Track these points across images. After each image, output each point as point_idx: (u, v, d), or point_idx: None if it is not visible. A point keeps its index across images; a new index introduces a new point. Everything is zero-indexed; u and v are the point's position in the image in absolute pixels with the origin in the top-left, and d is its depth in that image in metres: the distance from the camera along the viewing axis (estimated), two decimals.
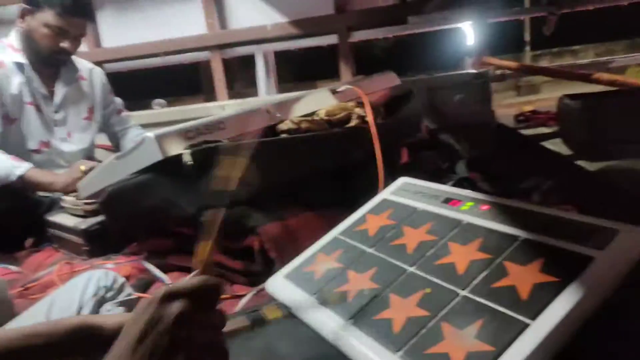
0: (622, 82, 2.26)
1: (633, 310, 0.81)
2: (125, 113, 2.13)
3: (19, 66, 1.74)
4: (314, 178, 1.39)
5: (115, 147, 2.13)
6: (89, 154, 1.98)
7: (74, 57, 1.89)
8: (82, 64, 1.98)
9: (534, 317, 0.67)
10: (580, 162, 1.50)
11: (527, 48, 7.48)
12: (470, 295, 0.76)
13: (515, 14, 2.90)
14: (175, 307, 0.46)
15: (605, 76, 2.32)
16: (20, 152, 1.73)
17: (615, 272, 0.69)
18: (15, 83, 1.73)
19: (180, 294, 0.47)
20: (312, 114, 1.55)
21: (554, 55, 7.52)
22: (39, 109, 1.80)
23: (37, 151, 1.80)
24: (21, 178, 1.62)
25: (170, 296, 0.47)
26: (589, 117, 1.70)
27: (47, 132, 1.82)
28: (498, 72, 2.73)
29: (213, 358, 0.48)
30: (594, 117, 1.69)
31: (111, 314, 0.85)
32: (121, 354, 0.45)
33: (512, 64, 2.68)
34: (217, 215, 0.54)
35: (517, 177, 1.67)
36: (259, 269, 1.18)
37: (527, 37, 7.34)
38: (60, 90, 1.85)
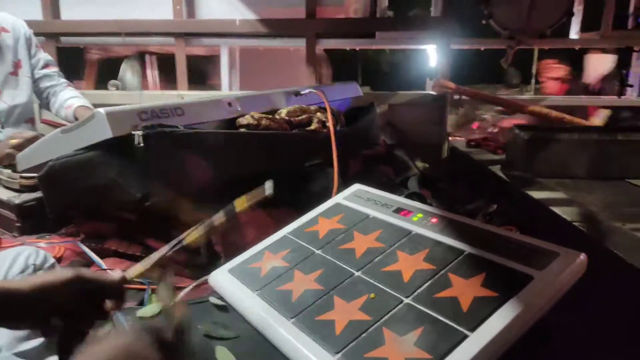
0: (558, 117, 2.44)
1: (564, 331, 0.85)
2: (54, 69, 1.97)
3: None
4: (268, 176, 1.37)
5: (45, 107, 1.98)
6: (25, 113, 1.84)
7: None
8: (3, 17, 1.84)
9: (472, 329, 0.68)
10: (524, 190, 1.56)
11: (533, 81, 7.63)
12: (414, 303, 0.77)
13: (476, 43, 3.01)
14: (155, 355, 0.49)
15: (537, 109, 2.52)
16: None
17: (552, 292, 0.72)
18: None
19: (159, 340, 0.51)
20: (274, 112, 1.53)
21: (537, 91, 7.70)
22: None
23: None
24: None
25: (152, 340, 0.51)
26: (537, 149, 1.77)
27: None
28: (456, 96, 2.82)
29: None
30: (541, 149, 1.77)
31: (28, 277, 0.80)
32: None
33: (468, 90, 2.78)
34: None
35: (465, 198, 1.73)
36: (203, 262, 1.15)
37: (534, 70, 7.47)
38: None
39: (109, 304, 0.63)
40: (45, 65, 1.94)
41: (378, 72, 7.65)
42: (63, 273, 0.58)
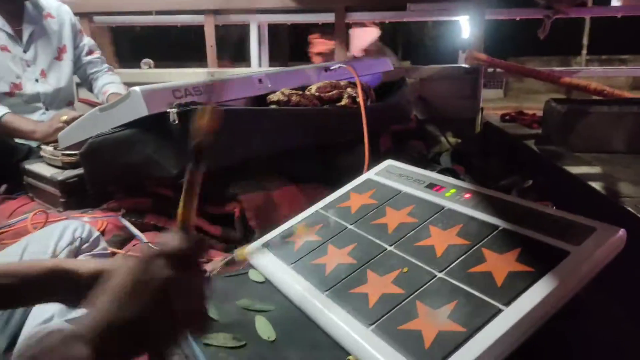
0: (598, 89, 2.35)
1: (599, 310, 0.84)
2: (97, 55, 2.04)
3: None
4: (300, 152, 1.39)
5: (89, 90, 2.05)
6: (67, 96, 1.91)
7: None
8: (48, 2, 1.89)
9: (507, 303, 0.68)
10: (560, 165, 1.53)
11: (584, 52, 7.36)
12: (447, 278, 0.77)
13: (511, 14, 2.91)
14: (165, 271, 0.45)
15: (575, 81, 2.44)
16: None
17: (589, 268, 0.71)
18: None
19: (169, 256, 0.46)
20: (304, 88, 1.54)
21: (603, 62, 7.42)
22: (5, 49, 1.73)
23: (9, 94, 1.73)
24: None
25: (160, 257, 0.45)
26: (573, 122, 1.72)
27: (17, 74, 1.75)
28: (489, 69, 2.75)
29: (194, 324, 0.48)
30: (578, 122, 1.72)
31: (86, 260, 0.84)
32: (108, 305, 0.43)
33: (501, 62, 2.70)
34: (197, 173, 0.52)
35: (499, 174, 1.70)
36: (237, 236, 1.18)
37: (585, 40, 7.20)
38: (27, 29, 1.77)
39: None
40: (90, 52, 2.01)
41: (419, 45, 7.51)
42: (122, 262, 0.58)
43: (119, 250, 1.14)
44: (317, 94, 1.52)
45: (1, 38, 1.72)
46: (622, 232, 0.75)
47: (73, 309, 0.74)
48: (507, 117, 2.39)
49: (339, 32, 2.64)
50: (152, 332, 0.43)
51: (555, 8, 2.55)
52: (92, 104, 2.11)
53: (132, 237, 1.23)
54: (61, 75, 1.86)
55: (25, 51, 1.77)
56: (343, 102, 1.53)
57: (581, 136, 1.70)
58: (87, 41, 2.02)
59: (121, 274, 0.45)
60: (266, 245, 1.03)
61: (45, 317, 0.78)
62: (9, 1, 1.72)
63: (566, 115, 1.74)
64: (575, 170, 1.47)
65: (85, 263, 0.59)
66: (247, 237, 1.19)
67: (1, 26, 1.71)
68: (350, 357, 0.72)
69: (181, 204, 0.51)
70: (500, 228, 0.84)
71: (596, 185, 1.29)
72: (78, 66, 1.99)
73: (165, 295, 0.44)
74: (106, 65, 2.07)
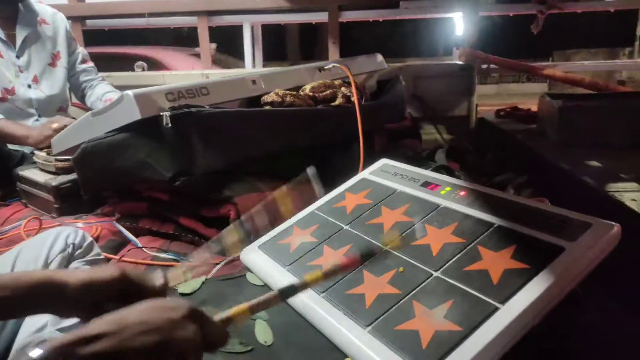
0: (592, 83, 2.35)
1: (595, 303, 0.84)
2: (91, 64, 2.03)
3: None
4: (294, 153, 1.38)
5: (80, 99, 2.04)
6: (60, 103, 1.90)
7: (32, 0, 1.81)
8: (43, 8, 1.88)
9: (503, 301, 0.68)
10: (555, 160, 1.53)
11: (637, 43, 7.22)
12: (443, 277, 0.77)
13: (504, 10, 2.91)
14: (193, 334, 0.47)
15: (570, 76, 2.44)
16: None
17: (585, 263, 0.71)
18: None
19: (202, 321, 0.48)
20: (298, 88, 1.53)
21: None
22: None
23: (1, 99, 1.72)
24: None
25: (194, 318, 0.48)
26: (568, 117, 1.72)
27: (10, 79, 1.73)
28: (484, 65, 2.74)
29: None
30: (572, 117, 1.72)
31: (75, 271, 0.83)
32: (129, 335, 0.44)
33: (497, 58, 2.70)
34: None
35: (494, 170, 1.70)
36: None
37: (639, 31, 7.06)
38: (20, 34, 1.76)
39: None
40: (83, 61, 2.00)
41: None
42: (109, 271, 0.59)
43: (114, 256, 1.13)
44: (311, 93, 1.51)
45: None
46: (617, 227, 0.75)
47: (62, 317, 0.73)
48: (502, 113, 2.39)
49: (333, 32, 2.64)
50: None
51: (548, 3, 2.56)
52: (86, 109, 2.10)
53: (126, 241, 1.23)
54: (54, 82, 1.85)
55: (18, 56, 1.76)
56: (337, 102, 1.52)
57: (576, 131, 1.70)
58: (81, 49, 2.02)
59: (150, 303, 0.47)
60: (262, 247, 1.02)
61: (38, 326, 0.77)
62: (1, 3, 1.71)
63: (561, 110, 1.74)
64: (570, 165, 1.48)
65: (74, 274, 0.58)
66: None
67: None
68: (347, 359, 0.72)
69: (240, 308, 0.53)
70: (495, 225, 0.83)
71: (591, 180, 1.29)
72: (72, 74, 1.98)
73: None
74: (100, 74, 2.06)
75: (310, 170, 1.09)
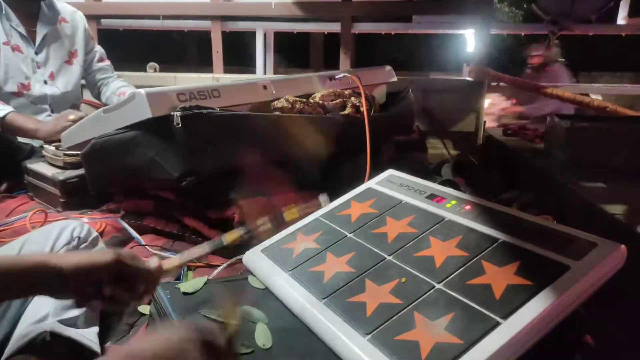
0: (601, 106, 2.35)
1: (597, 326, 0.83)
2: (108, 62, 2.07)
3: None
4: (301, 159, 1.39)
5: (96, 97, 2.08)
6: (73, 100, 1.92)
7: None
8: (64, 7, 1.92)
9: (505, 316, 0.68)
10: (562, 180, 1.53)
11: None
12: (445, 289, 0.77)
13: (517, 29, 2.93)
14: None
15: (579, 98, 2.45)
16: None
17: (589, 283, 0.71)
18: None
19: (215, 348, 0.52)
20: (308, 96, 1.54)
21: None
22: (17, 49, 1.74)
23: (17, 94, 1.74)
24: (1, 121, 1.57)
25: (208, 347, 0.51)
26: (576, 138, 1.72)
27: (27, 74, 1.76)
28: (493, 83, 2.76)
29: None
30: (580, 138, 1.72)
31: (71, 254, 0.84)
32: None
33: (507, 77, 2.71)
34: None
35: (500, 187, 1.70)
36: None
37: None
38: (41, 31, 1.79)
39: (142, 288, 0.66)
40: (100, 59, 2.04)
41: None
42: (104, 255, 0.61)
43: None
44: (321, 101, 1.52)
45: (15, 38, 1.73)
46: (623, 248, 0.74)
47: (59, 299, 0.75)
48: (510, 131, 2.40)
49: (345, 42, 2.66)
50: None
51: (560, 24, 2.57)
52: (96, 106, 2.12)
53: (130, 238, 1.23)
54: (70, 79, 1.88)
55: (37, 53, 1.78)
56: (346, 111, 1.53)
57: (583, 152, 1.70)
58: (98, 48, 2.05)
59: (163, 336, 0.51)
60: (265, 251, 1.02)
61: (39, 316, 0.77)
62: (26, 1, 1.73)
63: (569, 130, 1.74)
64: (577, 185, 1.47)
65: (70, 257, 0.60)
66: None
67: (15, 26, 1.73)
68: None
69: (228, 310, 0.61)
70: (500, 241, 0.83)
71: (597, 201, 1.29)
72: (89, 72, 2.02)
73: None
74: (115, 72, 2.10)
75: (323, 197, 1.11)
